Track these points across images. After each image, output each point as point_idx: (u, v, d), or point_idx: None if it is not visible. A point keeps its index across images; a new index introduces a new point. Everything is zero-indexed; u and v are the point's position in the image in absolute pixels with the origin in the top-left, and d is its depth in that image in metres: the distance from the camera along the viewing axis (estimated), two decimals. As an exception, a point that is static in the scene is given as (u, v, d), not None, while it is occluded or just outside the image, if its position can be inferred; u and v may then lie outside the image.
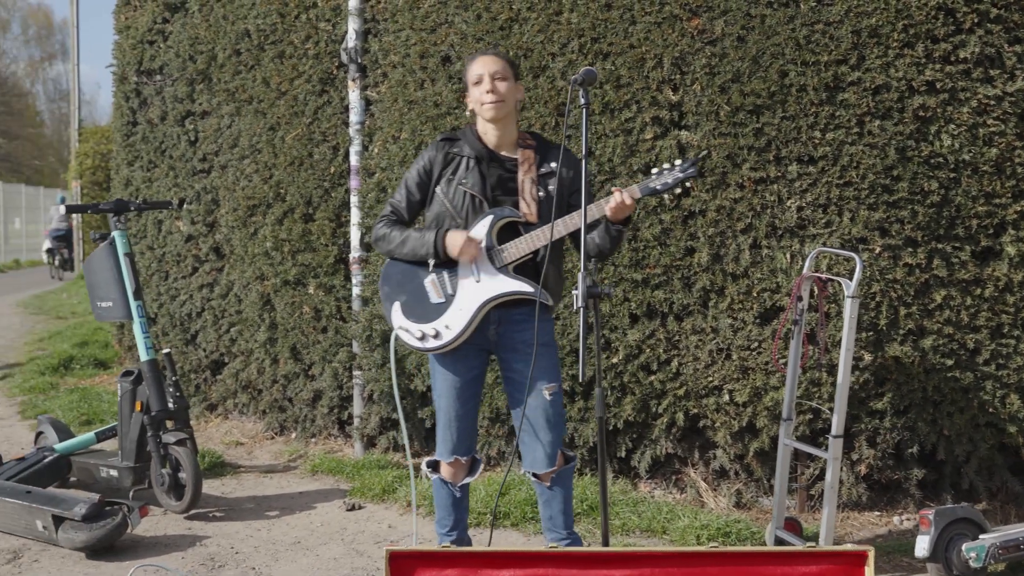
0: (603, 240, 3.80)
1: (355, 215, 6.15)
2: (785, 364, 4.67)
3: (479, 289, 3.80)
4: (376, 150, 6.05)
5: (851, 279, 4.23)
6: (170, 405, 5.32)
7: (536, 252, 3.79)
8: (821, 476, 5.03)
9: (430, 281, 3.87)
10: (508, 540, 4.88)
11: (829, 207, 5.01)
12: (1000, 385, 5.04)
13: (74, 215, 20.05)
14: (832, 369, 4.94)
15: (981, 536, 4.21)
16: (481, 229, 3.80)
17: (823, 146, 4.98)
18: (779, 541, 4.57)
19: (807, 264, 4.54)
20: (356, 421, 6.26)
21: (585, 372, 3.34)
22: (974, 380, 5.03)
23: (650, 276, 5.23)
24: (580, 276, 3.39)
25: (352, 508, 5.39)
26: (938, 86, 4.93)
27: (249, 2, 6.67)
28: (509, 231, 3.83)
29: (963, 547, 4.17)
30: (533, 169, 3.86)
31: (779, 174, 5.04)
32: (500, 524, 5.04)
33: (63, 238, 22.64)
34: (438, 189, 3.91)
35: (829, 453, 4.29)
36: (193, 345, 7.33)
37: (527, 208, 3.82)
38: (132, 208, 5.51)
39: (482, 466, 4.14)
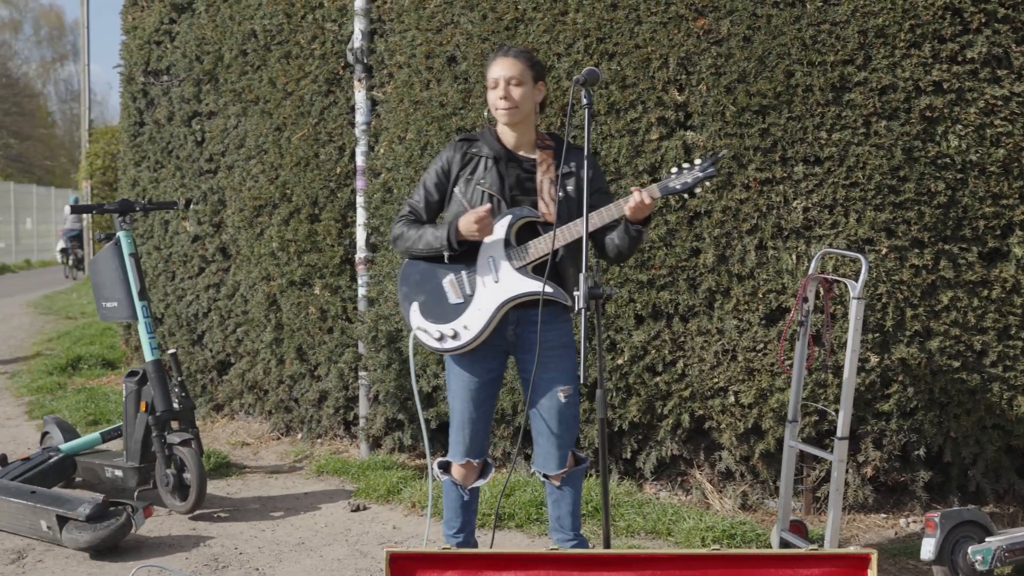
0: (622, 241, 3.78)
1: (361, 215, 6.14)
2: (791, 366, 4.65)
3: (497, 289, 3.77)
4: (382, 150, 6.05)
5: (857, 280, 4.21)
6: (175, 405, 5.32)
7: (555, 252, 3.77)
8: (827, 478, 5.01)
9: (448, 281, 3.85)
10: (513, 541, 4.87)
11: (835, 208, 4.99)
12: (1007, 387, 5.01)
13: (84, 215, 20.11)
14: (838, 370, 4.92)
15: (987, 539, 4.19)
16: (500, 229, 3.78)
17: (829, 147, 4.96)
18: (784, 543, 4.55)
19: (813, 265, 4.51)
20: (361, 422, 6.26)
21: (588, 373, 3.33)
22: (981, 382, 5.01)
23: (655, 277, 5.22)
24: (582, 277, 3.37)
25: (357, 509, 5.38)
26: (945, 86, 4.91)
27: (255, 2, 6.68)
28: (528, 232, 3.81)
29: (969, 550, 4.14)
30: (552, 169, 3.84)
31: (785, 175, 5.02)
32: (505, 525, 5.04)
33: (77, 238, 22.78)
34: (456, 189, 3.89)
35: (834, 455, 4.27)
36: (200, 345, 7.34)
37: (546, 208, 3.79)
38: (137, 208, 5.51)
39: (493, 470, 4.12)
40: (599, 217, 3.69)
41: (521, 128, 3.86)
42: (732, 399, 5.15)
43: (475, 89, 5.60)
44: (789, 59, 4.98)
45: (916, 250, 4.96)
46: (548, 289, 3.72)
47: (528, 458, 5.70)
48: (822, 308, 4.64)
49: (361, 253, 6.16)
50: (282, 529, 5.09)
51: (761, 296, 5.07)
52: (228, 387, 7.12)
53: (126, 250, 5.37)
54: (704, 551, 3.05)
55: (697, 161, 3.75)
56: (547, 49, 5.39)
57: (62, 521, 4.72)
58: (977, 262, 4.98)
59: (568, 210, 3.78)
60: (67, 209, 5.85)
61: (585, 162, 3.53)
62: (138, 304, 5.34)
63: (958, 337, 4.99)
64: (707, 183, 3.76)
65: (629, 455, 5.46)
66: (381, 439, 6.23)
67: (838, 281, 4.57)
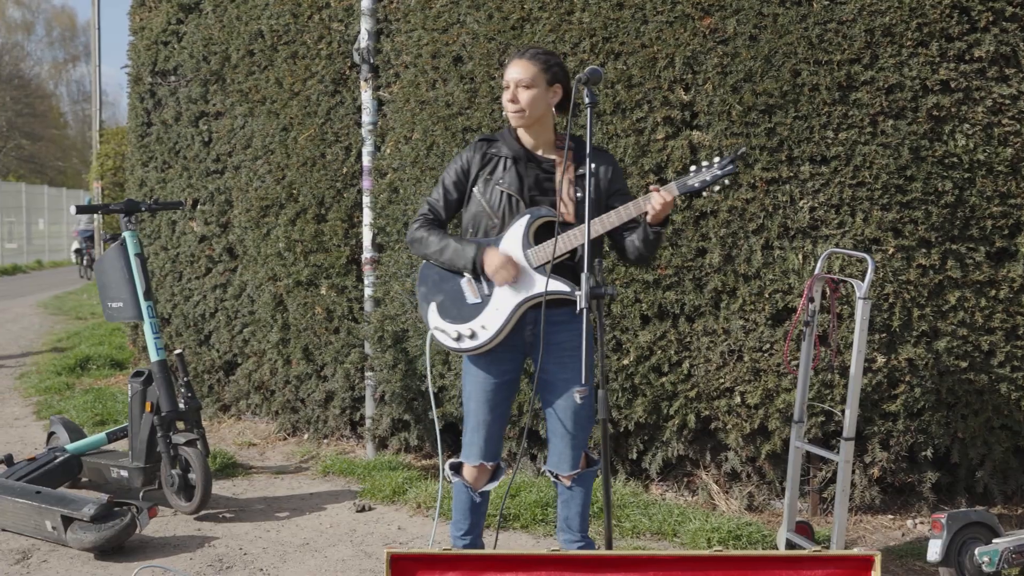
0: (642, 243, 3.76)
1: (367, 216, 6.14)
2: (797, 366, 4.63)
3: (515, 289, 3.76)
4: (388, 150, 6.04)
5: (863, 280, 4.18)
6: (181, 406, 5.32)
7: (574, 252, 3.76)
8: (834, 479, 4.99)
9: (466, 281, 3.84)
10: (518, 542, 4.86)
11: (842, 207, 4.96)
12: (1015, 387, 4.99)
13: (96, 216, 20.16)
14: (844, 371, 4.89)
15: (995, 540, 4.17)
16: (516, 242, 3.76)
17: (836, 146, 4.94)
18: (790, 544, 4.53)
19: (819, 265, 4.49)
20: (368, 422, 6.25)
21: (593, 374, 3.32)
22: (989, 382, 4.98)
23: (661, 277, 5.20)
24: (583, 277, 3.36)
25: (362, 510, 5.38)
26: (952, 85, 4.88)
27: (262, 3, 6.68)
28: (546, 231, 3.79)
29: (976, 551, 4.12)
30: (571, 170, 3.83)
31: (791, 174, 5.00)
32: (510, 526, 5.02)
33: (92, 238, 22.87)
34: (475, 190, 3.87)
35: (840, 456, 4.25)
36: (207, 346, 7.34)
37: (564, 208, 3.78)
38: (143, 208, 5.51)
39: (504, 474, 4.10)
40: (617, 216, 3.67)
41: (538, 129, 3.85)
42: (738, 399, 5.13)
43: (481, 89, 5.59)
44: (795, 58, 4.96)
45: (923, 250, 4.94)
46: (568, 289, 3.70)
47: (534, 458, 5.70)
48: (828, 308, 4.61)
49: (367, 253, 6.16)
50: (287, 530, 5.09)
51: (767, 296, 5.05)
52: (235, 387, 7.13)
53: (131, 250, 5.37)
54: (706, 552, 3.03)
55: (716, 159, 3.72)
56: (553, 48, 5.37)
57: (67, 521, 4.72)
58: (985, 262, 4.95)
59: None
60: (72, 209, 5.83)
61: (587, 161, 3.51)
62: (143, 304, 5.34)
63: (965, 337, 4.97)
64: (725, 181, 3.73)
65: (635, 456, 5.44)
66: (387, 439, 6.22)
67: (844, 281, 4.55)
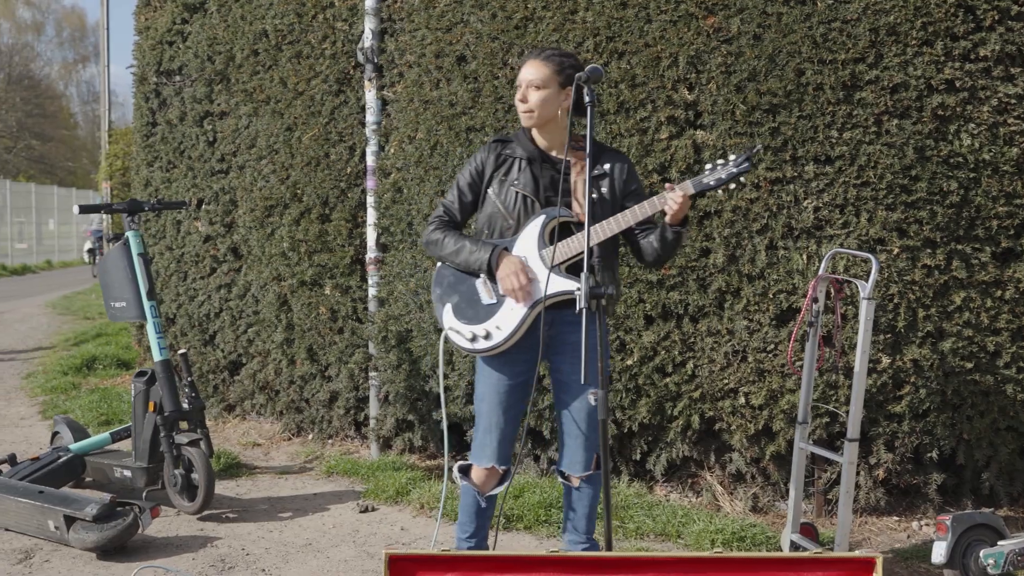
0: (660, 244, 3.73)
1: (371, 215, 6.13)
2: (801, 367, 4.61)
3: (530, 290, 3.75)
4: (392, 150, 6.04)
5: (868, 280, 4.16)
6: (185, 406, 5.32)
7: (590, 252, 3.73)
8: (838, 480, 4.96)
9: (481, 282, 3.82)
10: (521, 543, 4.85)
11: (846, 207, 4.94)
12: (1021, 389, 4.96)
13: (105, 216, 20.21)
14: (849, 372, 4.87)
15: (1000, 542, 4.14)
16: (531, 242, 3.74)
17: (840, 146, 4.91)
18: (795, 546, 4.51)
19: (823, 265, 4.47)
20: (372, 423, 6.25)
21: (594, 374, 3.30)
22: (994, 383, 4.95)
23: (665, 277, 5.18)
24: (583, 276, 3.34)
25: (365, 510, 5.37)
26: (957, 84, 4.86)
27: (267, 2, 6.68)
28: (562, 232, 3.77)
29: (981, 553, 4.10)
30: (586, 170, 3.81)
31: (795, 174, 4.98)
32: (513, 527, 5.01)
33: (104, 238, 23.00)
34: (490, 191, 3.86)
35: (844, 457, 4.23)
36: (211, 346, 7.34)
37: (579, 208, 3.76)
38: (146, 208, 5.51)
39: (512, 477, 4.07)
40: (632, 215, 3.65)
41: (551, 129, 3.83)
42: (742, 400, 5.11)
43: (484, 88, 5.58)
44: (800, 57, 4.93)
45: (928, 250, 4.91)
46: (578, 287, 3.66)
47: (537, 459, 5.68)
48: (833, 309, 4.59)
49: (371, 253, 6.15)
50: (290, 530, 5.08)
51: (771, 296, 5.03)
52: (239, 387, 7.13)
53: (135, 250, 5.37)
54: (707, 554, 3.02)
55: (732, 157, 3.68)
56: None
57: (69, 521, 4.72)
58: (990, 262, 4.92)
59: (602, 211, 3.74)
60: (75, 209, 5.84)
61: (587, 160, 3.51)
62: (147, 304, 5.34)
63: (971, 338, 4.94)
64: (741, 178, 3.70)
65: (639, 457, 5.43)
66: (392, 440, 6.21)
67: (849, 281, 4.53)
